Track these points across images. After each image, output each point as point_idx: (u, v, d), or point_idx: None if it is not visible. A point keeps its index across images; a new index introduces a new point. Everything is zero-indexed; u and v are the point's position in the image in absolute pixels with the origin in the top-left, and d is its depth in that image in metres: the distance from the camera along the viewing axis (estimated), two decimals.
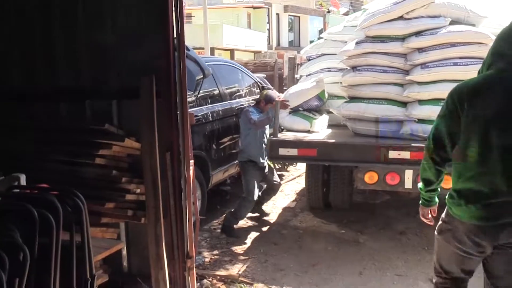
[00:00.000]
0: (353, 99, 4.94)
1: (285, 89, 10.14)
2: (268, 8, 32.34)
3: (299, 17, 34.90)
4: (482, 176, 2.16)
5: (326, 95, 5.68)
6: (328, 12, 33.87)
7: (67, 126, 3.22)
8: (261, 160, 5.25)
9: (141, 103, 3.04)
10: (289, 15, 34.16)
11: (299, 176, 7.78)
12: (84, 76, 3.39)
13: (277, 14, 33.37)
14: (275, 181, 5.59)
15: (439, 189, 2.53)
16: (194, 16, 23.50)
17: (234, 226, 5.29)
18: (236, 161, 5.72)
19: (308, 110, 5.56)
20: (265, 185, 5.68)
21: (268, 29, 32.76)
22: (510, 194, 2.09)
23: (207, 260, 4.62)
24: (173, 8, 3.06)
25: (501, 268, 2.28)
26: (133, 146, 3.15)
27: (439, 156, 2.36)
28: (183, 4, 3.22)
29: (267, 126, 5.23)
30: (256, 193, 5.34)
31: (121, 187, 3.13)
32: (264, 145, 5.20)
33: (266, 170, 5.42)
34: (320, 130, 5.40)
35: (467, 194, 2.23)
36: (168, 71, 3.09)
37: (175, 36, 3.13)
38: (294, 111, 5.48)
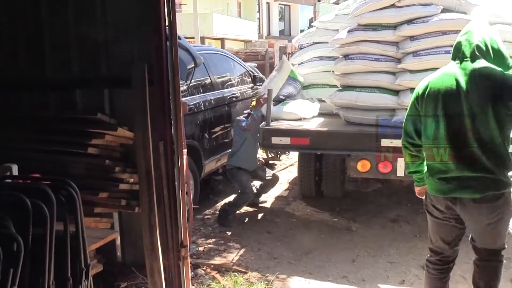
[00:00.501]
0: (345, 87, 4.93)
1: None
2: None
3: (289, 6, 34.79)
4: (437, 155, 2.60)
5: (298, 75, 5.73)
6: (319, 1, 33.73)
7: (59, 115, 3.18)
8: (252, 167, 5.45)
9: (133, 92, 3.01)
10: (280, 4, 34.04)
11: (291, 165, 7.79)
12: (74, 65, 3.34)
13: (268, 3, 33.23)
14: (268, 176, 5.66)
15: (423, 170, 2.81)
16: (186, 4, 23.24)
17: (230, 216, 5.31)
18: (229, 150, 5.72)
19: (290, 97, 5.63)
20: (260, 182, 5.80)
21: (259, 18, 32.62)
22: (458, 171, 2.52)
23: (200, 249, 4.63)
24: None
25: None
26: (126, 135, 3.13)
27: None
28: None
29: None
30: (251, 185, 5.42)
31: (114, 177, 3.12)
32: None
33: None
34: (310, 116, 5.40)
35: (429, 169, 2.69)
36: (160, 60, 3.06)
37: (167, 24, 3.09)
38: (278, 102, 5.49)
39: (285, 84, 5.64)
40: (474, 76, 2.47)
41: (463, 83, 2.47)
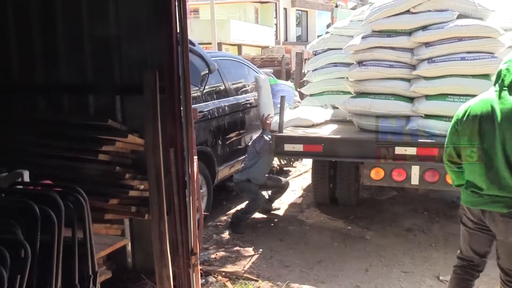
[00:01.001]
0: (359, 94, 4.89)
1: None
2: (276, 3, 32.24)
3: (306, 11, 34.76)
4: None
5: (274, 78, 5.77)
6: (336, 6, 33.62)
7: (71, 121, 3.21)
8: (261, 181, 5.41)
9: (145, 99, 3.02)
10: (297, 9, 34.02)
11: (305, 172, 7.74)
12: (87, 71, 3.38)
13: (285, 9, 33.25)
14: (277, 185, 5.64)
15: None
16: (197, 11, 23.50)
17: (242, 223, 5.29)
18: (242, 157, 5.70)
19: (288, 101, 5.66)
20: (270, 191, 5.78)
21: (276, 24, 32.66)
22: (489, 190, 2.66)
23: (212, 256, 4.61)
24: (176, 2, 3.04)
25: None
26: (136, 142, 3.14)
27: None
28: None
29: None
30: (261, 192, 5.39)
31: (124, 183, 3.12)
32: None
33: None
34: (323, 121, 5.36)
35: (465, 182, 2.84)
36: (171, 67, 3.07)
37: (178, 31, 3.10)
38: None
39: (274, 93, 5.65)
40: (509, 107, 2.55)
41: (498, 111, 2.55)
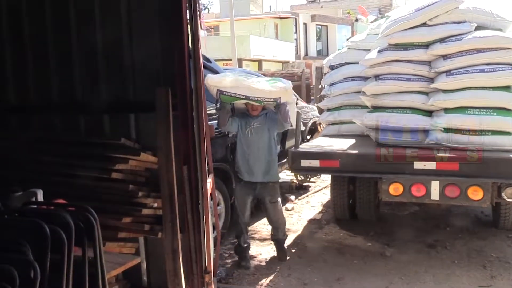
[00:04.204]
0: (376, 108, 4.82)
1: (313, 99, 10.05)
2: (295, 18, 32.38)
3: (326, 26, 34.78)
4: None
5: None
6: (356, 20, 33.65)
7: (85, 140, 3.24)
8: (246, 176, 4.61)
9: (157, 116, 3.02)
10: (317, 24, 34.08)
11: (325, 187, 7.66)
12: (102, 90, 3.42)
13: (305, 24, 33.36)
14: (269, 202, 4.65)
15: None
16: (212, 28, 23.78)
17: (242, 244, 4.75)
18: None
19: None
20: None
21: (296, 39, 32.76)
22: None
23: (230, 272, 4.57)
24: (188, 20, 3.05)
25: None
26: (149, 160, 3.15)
27: None
28: (199, 13, 3.20)
29: (269, 137, 4.56)
30: (246, 212, 4.69)
31: (138, 202, 3.12)
32: (255, 160, 4.54)
33: (257, 189, 4.64)
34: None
35: None
36: (183, 83, 3.08)
37: (190, 46, 3.11)
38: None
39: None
40: None
41: None
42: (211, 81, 4.23)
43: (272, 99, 4.32)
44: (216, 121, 4.69)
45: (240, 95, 4.22)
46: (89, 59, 3.40)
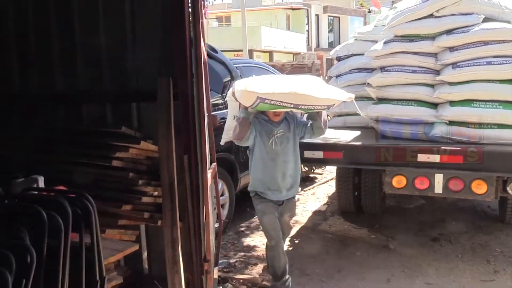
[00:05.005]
0: (381, 100, 4.79)
1: None
2: (307, 9, 32.18)
3: (339, 17, 34.54)
4: None
5: None
6: (369, 12, 33.32)
7: (85, 128, 3.27)
8: (271, 195, 3.83)
9: (158, 106, 3.03)
10: (329, 15, 33.85)
11: (332, 179, 7.64)
12: (104, 79, 3.44)
13: (317, 15, 33.15)
14: (288, 217, 4.02)
15: None
16: (216, 19, 23.70)
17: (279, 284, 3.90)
18: None
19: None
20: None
21: (308, 30, 32.57)
22: None
23: (232, 262, 4.60)
24: (189, 7, 3.04)
25: None
26: (149, 148, 3.17)
27: None
28: (202, 2, 3.20)
29: (294, 147, 3.89)
30: (277, 229, 3.80)
31: (138, 190, 3.15)
32: (282, 175, 3.79)
33: (281, 206, 3.90)
34: None
35: None
36: (184, 72, 3.08)
37: (191, 35, 3.11)
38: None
39: None
40: None
41: None
42: (251, 87, 3.42)
43: (325, 106, 3.67)
44: (226, 120, 4.13)
45: (287, 103, 3.44)
46: (92, 49, 3.41)
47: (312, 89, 3.51)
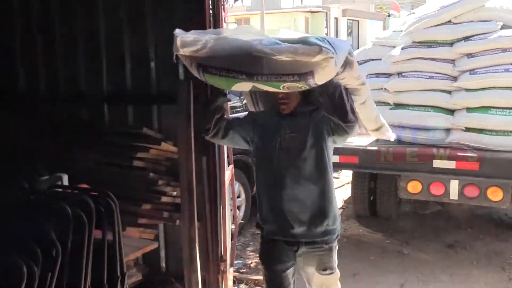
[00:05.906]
0: (398, 105, 4.81)
1: None
2: (326, 12, 32.09)
3: (358, 21, 34.35)
4: None
5: None
6: (389, 15, 33.05)
7: (108, 129, 3.37)
8: (275, 231, 2.61)
9: (178, 108, 3.11)
10: (348, 19, 33.70)
11: (348, 183, 7.65)
12: (127, 81, 3.54)
13: (336, 18, 33.02)
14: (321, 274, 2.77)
15: None
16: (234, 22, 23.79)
17: None
18: None
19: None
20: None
21: (326, 33, 32.48)
22: None
23: (247, 263, 4.66)
24: (210, 10, 3.12)
25: None
26: (170, 149, 3.25)
27: None
28: (222, 6, 3.26)
29: (316, 156, 2.56)
30: None
31: (158, 189, 3.23)
32: (294, 201, 2.51)
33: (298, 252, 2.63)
34: None
35: None
36: None
37: None
38: None
39: None
40: None
41: None
42: (181, 41, 2.23)
43: (296, 77, 2.06)
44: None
45: (234, 71, 2.14)
46: (113, 51, 3.51)
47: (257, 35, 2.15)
